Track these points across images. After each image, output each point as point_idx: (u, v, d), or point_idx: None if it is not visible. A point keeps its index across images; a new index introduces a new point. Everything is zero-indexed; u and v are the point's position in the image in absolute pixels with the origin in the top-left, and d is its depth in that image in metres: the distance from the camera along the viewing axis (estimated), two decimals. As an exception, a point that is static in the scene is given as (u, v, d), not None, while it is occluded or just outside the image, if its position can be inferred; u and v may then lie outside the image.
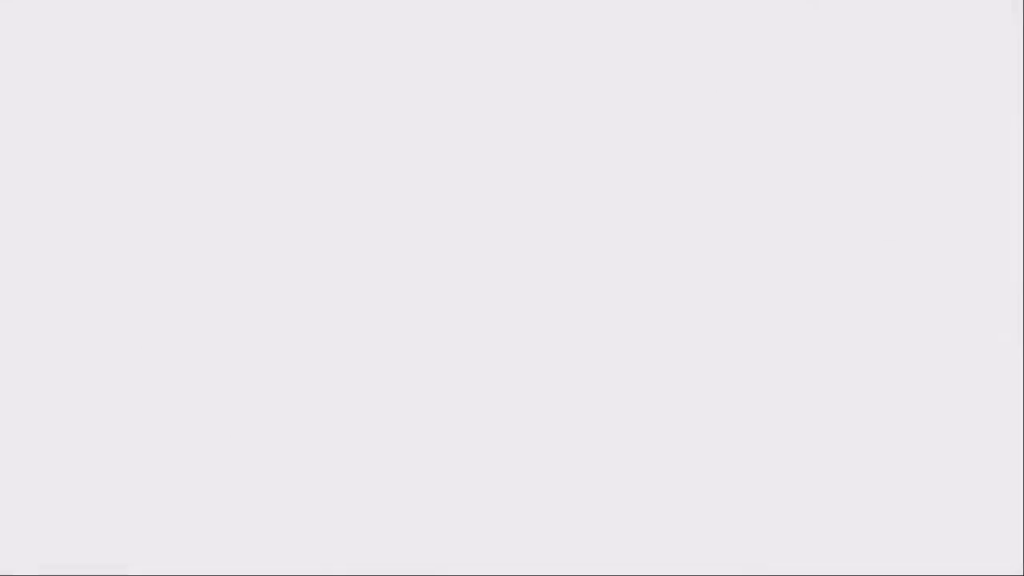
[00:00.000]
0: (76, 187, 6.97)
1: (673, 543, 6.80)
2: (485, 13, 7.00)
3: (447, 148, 6.99)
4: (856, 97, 6.95)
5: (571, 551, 6.81)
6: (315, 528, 6.85)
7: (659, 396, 6.88)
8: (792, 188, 6.93)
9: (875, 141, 6.95)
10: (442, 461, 6.88)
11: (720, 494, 6.82)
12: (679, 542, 6.80)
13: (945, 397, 6.83)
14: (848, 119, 6.95)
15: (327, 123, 7.00)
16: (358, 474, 6.87)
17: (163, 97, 7.00)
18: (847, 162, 6.95)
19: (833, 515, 6.79)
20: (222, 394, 6.89)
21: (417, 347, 6.94)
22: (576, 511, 6.83)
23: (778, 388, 6.86)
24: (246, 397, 6.90)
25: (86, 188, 6.97)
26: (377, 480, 6.87)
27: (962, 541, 6.73)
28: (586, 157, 6.97)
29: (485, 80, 7.00)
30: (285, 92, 7.00)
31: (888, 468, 6.81)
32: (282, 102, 7.00)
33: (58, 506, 6.83)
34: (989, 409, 6.80)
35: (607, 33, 6.99)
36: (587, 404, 6.89)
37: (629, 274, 6.93)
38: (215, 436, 6.87)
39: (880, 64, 6.95)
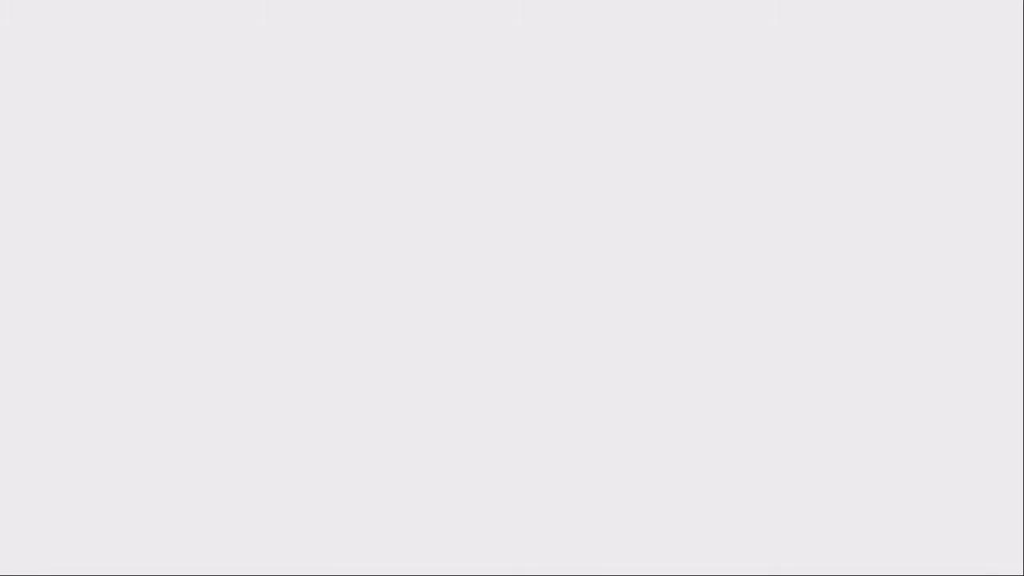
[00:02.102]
0: (74, 185, 6.97)
1: (672, 542, 6.81)
2: (483, 13, 7.00)
3: (446, 148, 6.99)
4: (856, 95, 6.94)
5: (568, 551, 6.82)
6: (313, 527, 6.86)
7: (655, 397, 6.89)
8: (791, 187, 6.93)
9: (875, 140, 6.94)
10: (440, 459, 6.89)
11: (717, 494, 6.82)
12: (678, 541, 6.81)
13: (945, 396, 6.83)
14: (848, 117, 6.95)
15: (326, 122, 7.01)
16: (357, 474, 6.88)
17: (162, 96, 7.00)
18: (847, 160, 6.95)
19: (833, 515, 6.79)
20: (220, 394, 6.90)
21: (412, 346, 6.95)
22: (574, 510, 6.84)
23: (777, 386, 6.86)
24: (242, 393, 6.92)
25: (83, 186, 6.97)
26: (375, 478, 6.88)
27: (962, 541, 6.73)
28: (582, 157, 6.97)
29: (481, 80, 7.00)
30: (284, 90, 7.00)
31: (888, 467, 6.81)
32: (281, 101, 7.00)
33: (57, 506, 6.84)
34: (989, 408, 6.80)
35: (605, 32, 6.99)
36: (585, 403, 6.90)
37: (626, 272, 6.94)
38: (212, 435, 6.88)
39: (880, 62, 6.95)
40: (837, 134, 6.94)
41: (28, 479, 6.84)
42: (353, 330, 6.93)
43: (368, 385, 6.91)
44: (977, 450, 6.79)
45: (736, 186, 6.94)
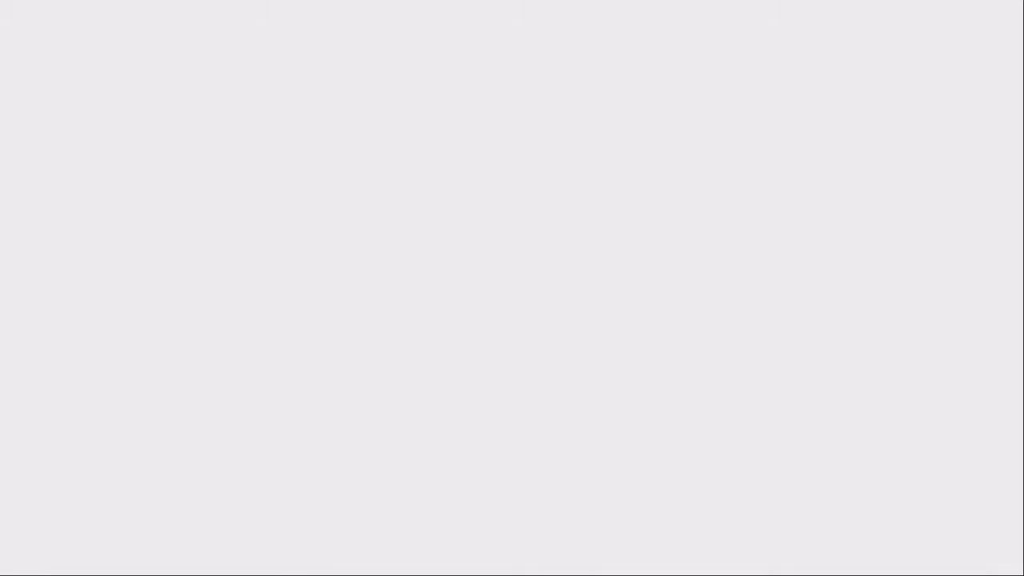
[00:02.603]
0: (74, 186, 6.97)
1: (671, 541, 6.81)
2: (483, 13, 7.00)
3: (445, 148, 6.99)
4: (856, 95, 6.94)
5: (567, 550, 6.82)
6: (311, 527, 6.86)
7: (653, 399, 6.89)
8: (791, 186, 6.93)
9: (875, 139, 6.94)
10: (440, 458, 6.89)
11: (716, 494, 6.82)
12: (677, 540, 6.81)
13: (946, 396, 6.83)
14: (848, 117, 6.95)
15: (326, 122, 7.01)
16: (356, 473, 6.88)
17: (162, 96, 7.00)
18: (847, 159, 6.95)
19: (833, 514, 6.79)
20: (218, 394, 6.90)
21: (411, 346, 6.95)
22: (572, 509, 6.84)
23: (778, 385, 6.85)
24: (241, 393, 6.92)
25: (84, 186, 6.97)
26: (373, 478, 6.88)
27: (962, 541, 6.73)
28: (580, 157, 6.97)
29: (481, 79, 7.00)
30: (284, 90, 7.00)
31: (888, 467, 6.81)
32: (281, 100, 7.00)
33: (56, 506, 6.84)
34: (989, 408, 6.79)
35: (605, 32, 6.98)
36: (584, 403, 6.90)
37: (625, 273, 6.93)
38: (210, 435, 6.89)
39: (880, 62, 6.95)
40: (837, 134, 6.94)
41: (28, 480, 6.84)
42: (353, 330, 6.93)
43: (367, 385, 6.92)
44: (977, 450, 6.79)
45: (736, 186, 6.94)
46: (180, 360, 6.90)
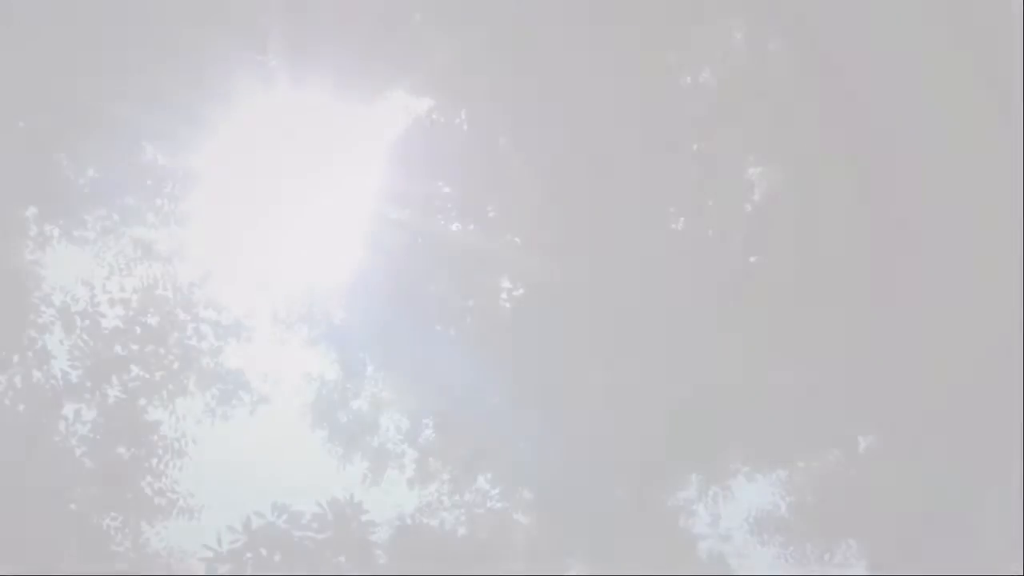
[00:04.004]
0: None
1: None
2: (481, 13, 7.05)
3: (443, 147, 7.04)
4: (855, 94, 6.97)
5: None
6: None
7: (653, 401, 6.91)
8: (790, 186, 6.96)
9: (873, 139, 6.97)
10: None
11: (715, 492, 6.84)
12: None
13: (946, 397, 6.84)
14: (847, 116, 6.98)
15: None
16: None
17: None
18: (847, 159, 6.98)
19: (833, 515, 6.80)
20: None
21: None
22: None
23: (778, 384, 6.88)
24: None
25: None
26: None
27: (962, 541, 6.73)
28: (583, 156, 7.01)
29: (479, 79, 7.04)
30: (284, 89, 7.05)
31: (889, 468, 6.82)
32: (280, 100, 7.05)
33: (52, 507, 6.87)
34: (989, 409, 6.80)
35: (603, 31, 7.03)
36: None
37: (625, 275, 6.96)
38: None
39: (880, 61, 6.98)
40: (836, 133, 6.98)
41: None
42: (350, 327, 6.97)
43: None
44: (977, 450, 6.80)
45: (734, 186, 6.98)
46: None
